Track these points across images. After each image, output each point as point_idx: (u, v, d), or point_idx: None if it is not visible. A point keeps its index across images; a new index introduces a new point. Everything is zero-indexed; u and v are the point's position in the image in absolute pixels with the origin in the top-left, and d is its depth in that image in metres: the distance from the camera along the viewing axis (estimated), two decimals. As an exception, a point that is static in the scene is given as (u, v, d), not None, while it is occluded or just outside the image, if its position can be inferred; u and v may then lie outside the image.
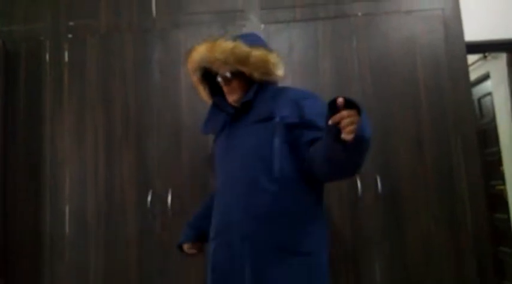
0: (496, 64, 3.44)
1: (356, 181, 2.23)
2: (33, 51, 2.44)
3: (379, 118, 2.29)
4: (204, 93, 1.67)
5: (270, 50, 1.48)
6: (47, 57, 2.43)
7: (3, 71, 2.37)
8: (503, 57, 3.24)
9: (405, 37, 2.35)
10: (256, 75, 1.45)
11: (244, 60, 1.42)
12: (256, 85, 1.47)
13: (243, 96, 1.50)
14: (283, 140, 1.36)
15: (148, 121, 2.35)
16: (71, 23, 2.46)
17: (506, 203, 3.39)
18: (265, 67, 1.44)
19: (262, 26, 2.39)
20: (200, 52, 1.50)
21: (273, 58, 1.45)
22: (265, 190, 1.33)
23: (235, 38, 1.47)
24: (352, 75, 2.33)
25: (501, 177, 3.44)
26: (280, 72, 1.48)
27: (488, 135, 3.62)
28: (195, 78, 1.60)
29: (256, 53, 1.43)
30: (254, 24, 2.39)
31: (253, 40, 1.50)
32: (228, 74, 1.49)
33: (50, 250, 2.28)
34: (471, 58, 3.49)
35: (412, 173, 2.24)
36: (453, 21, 2.34)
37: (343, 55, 2.35)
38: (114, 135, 2.34)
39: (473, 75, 3.54)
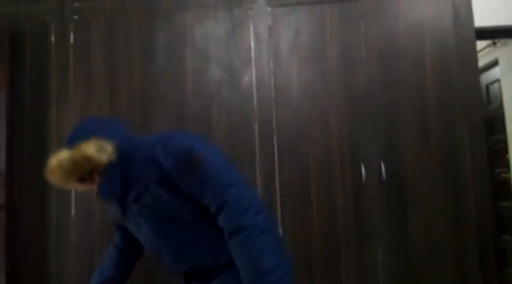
0: (505, 50, 3.39)
1: (360, 168, 2.23)
2: (38, 33, 2.43)
3: (385, 104, 2.27)
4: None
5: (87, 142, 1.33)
6: (52, 38, 2.42)
7: (8, 52, 2.36)
8: (512, 43, 3.20)
9: (414, 22, 2.32)
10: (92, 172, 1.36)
11: (72, 172, 1.34)
12: (101, 176, 1.36)
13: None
14: (168, 198, 1.29)
15: (154, 104, 2.34)
16: (76, 4, 2.44)
17: (510, 191, 3.38)
18: (90, 164, 1.32)
19: (269, 9, 2.36)
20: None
21: (88, 149, 1.31)
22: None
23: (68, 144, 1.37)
24: (359, 60, 2.31)
25: (506, 165, 3.43)
26: (104, 157, 1.31)
27: (495, 122, 3.59)
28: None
29: (76, 156, 1.32)
30: (261, 7, 2.36)
31: (73, 137, 1.39)
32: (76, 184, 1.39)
33: (56, 235, 2.30)
34: (480, 44, 3.44)
35: (417, 160, 2.24)
36: (463, 6, 2.30)
37: (351, 39, 2.33)
38: (119, 117, 2.34)
39: (481, 62, 3.49)
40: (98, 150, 1.32)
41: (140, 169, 1.31)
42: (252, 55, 2.34)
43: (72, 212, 2.29)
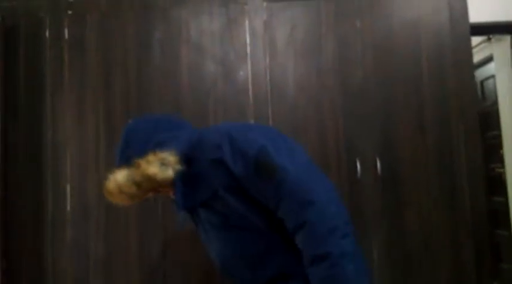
0: (499, 46, 3.40)
1: (356, 163, 2.23)
2: (33, 28, 2.41)
3: (381, 100, 2.28)
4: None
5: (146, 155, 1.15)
6: (47, 34, 2.40)
7: (2, 47, 2.34)
8: (507, 39, 3.21)
9: (409, 18, 2.32)
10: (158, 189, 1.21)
11: (136, 195, 1.18)
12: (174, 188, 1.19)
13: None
14: (240, 202, 1.13)
15: (149, 100, 2.33)
16: (71, 0, 2.42)
17: (505, 186, 3.40)
18: (155, 183, 1.16)
19: (265, 4, 2.35)
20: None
21: (150, 168, 1.12)
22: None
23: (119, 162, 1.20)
24: (354, 56, 2.31)
25: (500, 161, 3.45)
26: (169, 171, 1.13)
27: (489, 118, 3.61)
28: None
29: (137, 178, 1.14)
30: (256, 2, 2.35)
31: (127, 152, 1.19)
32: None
33: (51, 230, 2.29)
34: (475, 40, 3.45)
35: (413, 155, 2.25)
36: (458, 2, 2.31)
37: (346, 35, 2.33)
38: (114, 113, 2.33)
39: (476, 58, 3.50)
40: (160, 165, 1.12)
41: (206, 173, 1.14)
42: (248, 50, 2.34)
43: (68, 207, 2.29)
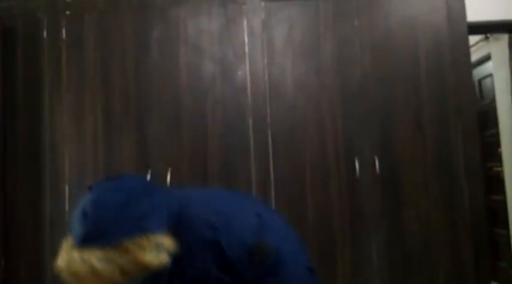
0: (497, 45, 3.40)
1: (354, 162, 2.24)
2: (31, 28, 2.40)
3: (379, 99, 2.28)
4: None
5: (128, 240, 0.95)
6: (45, 34, 2.39)
7: (0, 48, 2.34)
8: (505, 38, 3.20)
9: (407, 17, 2.32)
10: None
11: (114, 279, 0.94)
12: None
13: None
14: None
15: (148, 100, 2.33)
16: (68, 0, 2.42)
17: (503, 185, 3.41)
18: (145, 270, 0.96)
19: (263, 3, 2.35)
20: None
21: (145, 255, 0.94)
22: None
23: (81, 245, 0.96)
24: (353, 55, 2.31)
25: (499, 159, 3.45)
26: (164, 256, 0.97)
27: (487, 116, 3.61)
28: None
29: (124, 265, 0.93)
30: (254, 2, 2.35)
31: (106, 229, 0.95)
32: None
33: (50, 230, 2.29)
34: (473, 39, 3.46)
35: (411, 154, 2.25)
36: (456, 1, 2.31)
37: (345, 35, 2.33)
38: (113, 113, 2.33)
39: (474, 56, 3.51)
40: (156, 250, 0.95)
41: (195, 252, 1.04)
42: (246, 50, 2.34)
43: (66, 208, 2.29)
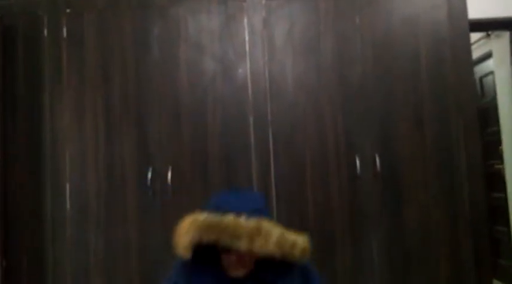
0: (498, 43, 3.40)
1: (355, 160, 2.24)
2: (31, 26, 2.40)
3: (380, 97, 2.28)
4: (186, 251, 1.30)
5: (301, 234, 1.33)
6: (45, 32, 2.39)
7: (1, 46, 2.34)
8: (506, 35, 3.20)
9: (408, 14, 2.32)
10: (290, 258, 1.29)
11: (287, 250, 1.26)
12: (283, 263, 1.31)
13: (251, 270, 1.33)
14: None
15: (148, 98, 2.33)
16: (69, -3, 2.42)
17: (503, 182, 3.41)
18: (301, 254, 1.30)
19: (263, 1, 2.35)
20: (237, 227, 1.24)
21: (307, 247, 1.31)
22: None
23: (252, 213, 1.25)
24: (353, 53, 2.31)
25: (499, 157, 3.45)
26: (307, 256, 1.32)
27: (488, 114, 3.61)
28: (190, 240, 1.27)
29: (299, 241, 1.29)
30: (255, 0, 2.35)
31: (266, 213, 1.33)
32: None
33: (51, 228, 2.29)
34: (474, 36, 3.45)
35: (412, 152, 2.25)
36: (457, -2, 2.31)
37: (345, 32, 2.33)
38: (113, 111, 2.33)
39: (475, 54, 3.50)
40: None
41: (286, 272, 1.33)
42: (247, 48, 2.34)
43: (68, 206, 2.29)
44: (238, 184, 2.17)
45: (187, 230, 1.25)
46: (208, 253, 1.32)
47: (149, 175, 2.26)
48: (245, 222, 1.22)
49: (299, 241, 1.29)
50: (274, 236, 1.23)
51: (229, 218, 1.22)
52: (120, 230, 2.27)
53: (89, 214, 2.28)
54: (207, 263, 1.33)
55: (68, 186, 2.30)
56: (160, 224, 2.25)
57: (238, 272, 1.31)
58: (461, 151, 2.24)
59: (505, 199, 3.36)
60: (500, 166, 3.44)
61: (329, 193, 2.24)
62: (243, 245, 1.21)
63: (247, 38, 2.34)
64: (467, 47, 2.31)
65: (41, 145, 2.33)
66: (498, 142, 3.47)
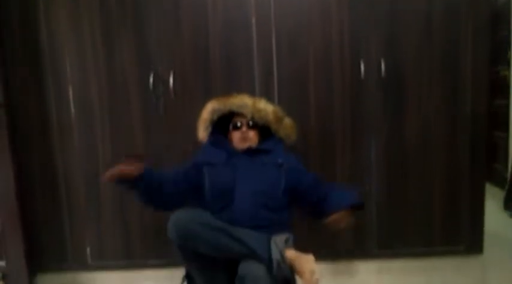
0: None
1: (360, 65, 2.20)
2: None
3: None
4: (204, 132, 1.94)
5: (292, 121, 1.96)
6: None
7: None
8: None
9: None
10: (281, 134, 1.92)
11: (278, 121, 1.90)
12: (275, 138, 1.92)
13: (255, 144, 1.88)
14: (285, 182, 1.78)
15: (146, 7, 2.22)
16: None
17: (507, 89, 3.38)
18: (290, 132, 1.94)
19: None
20: (243, 99, 1.87)
21: (294, 127, 1.96)
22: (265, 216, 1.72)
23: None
24: None
25: (507, 62, 3.39)
26: (294, 137, 1.96)
27: (500, 16, 3.46)
28: (209, 117, 1.91)
29: (287, 120, 1.93)
30: None
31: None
32: (250, 123, 1.88)
33: (59, 137, 2.32)
34: None
35: (418, 55, 2.20)
36: None
37: None
38: (110, 15, 2.24)
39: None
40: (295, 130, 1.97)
41: (279, 147, 1.88)
42: None
43: (72, 110, 2.30)
44: (241, 88, 2.15)
45: (207, 110, 1.90)
46: (221, 140, 1.89)
47: (151, 80, 2.24)
48: (248, 99, 1.89)
49: (289, 120, 1.94)
50: (270, 108, 1.89)
51: (237, 95, 1.90)
52: (125, 135, 2.30)
53: (93, 121, 2.30)
54: (220, 145, 1.87)
55: (70, 89, 2.29)
56: (164, 128, 2.27)
57: (243, 145, 1.84)
58: (469, 54, 2.19)
59: (507, 106, 3.37)
60: (506, 73, 3.39)
61: (332, 97, 2.23)
62: (248, 110, 1.84)
63: None
64: None
65: (40, 53, 2.27)
66: (508, 47, 3.38)
